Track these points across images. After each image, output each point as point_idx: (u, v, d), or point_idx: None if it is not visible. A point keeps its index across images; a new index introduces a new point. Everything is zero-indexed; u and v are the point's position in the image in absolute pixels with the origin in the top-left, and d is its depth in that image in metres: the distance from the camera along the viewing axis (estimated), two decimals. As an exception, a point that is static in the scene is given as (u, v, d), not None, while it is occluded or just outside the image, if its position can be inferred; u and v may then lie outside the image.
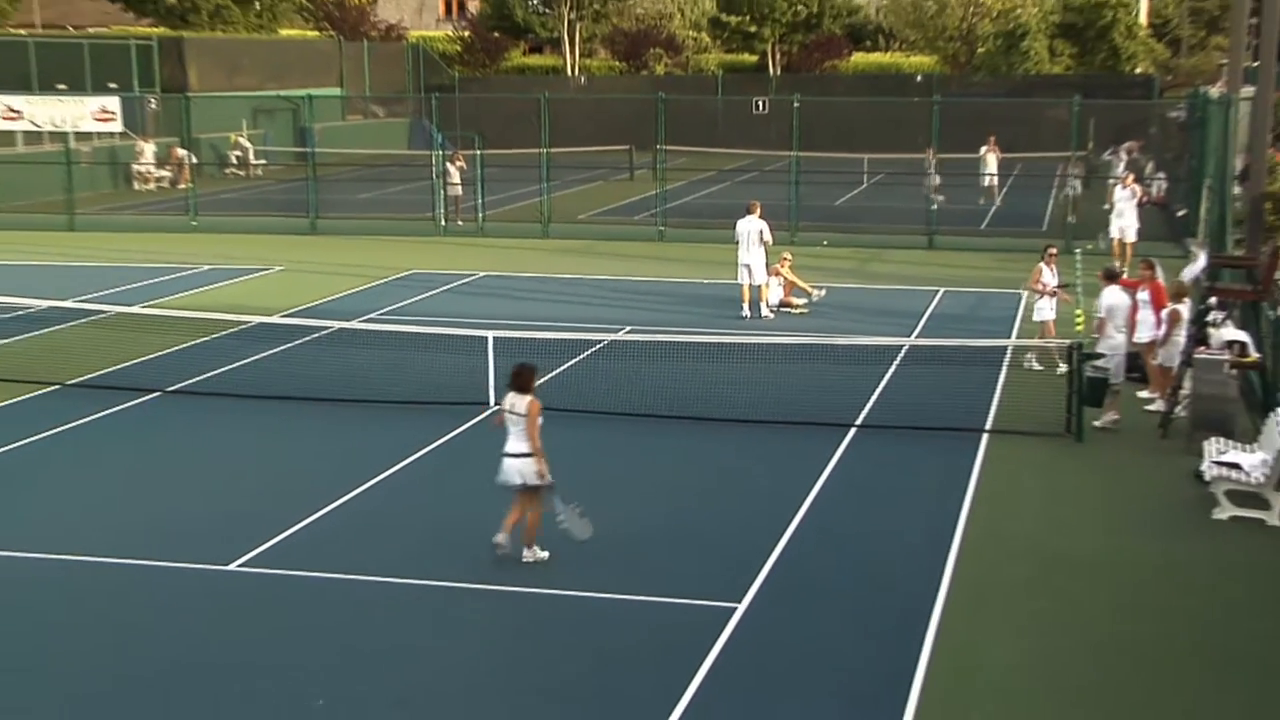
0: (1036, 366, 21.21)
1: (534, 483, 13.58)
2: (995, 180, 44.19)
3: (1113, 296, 19.20)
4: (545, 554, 13.81)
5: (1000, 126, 48.12)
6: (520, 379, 13.80)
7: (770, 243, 25.99)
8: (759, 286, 25.87)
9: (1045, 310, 21.76)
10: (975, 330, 24.30)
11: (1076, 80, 60.89)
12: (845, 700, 10.99)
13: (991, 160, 43.92)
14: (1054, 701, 10.97)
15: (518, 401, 13.66)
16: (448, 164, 40.00)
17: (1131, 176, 32.21)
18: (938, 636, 12.07)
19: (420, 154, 52.80)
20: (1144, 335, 19.72)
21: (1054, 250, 22.52)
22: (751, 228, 25.82)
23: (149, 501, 15.82)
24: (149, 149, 49.61)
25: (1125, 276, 21.33)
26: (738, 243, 25.83)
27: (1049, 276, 21.81)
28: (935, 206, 40.18)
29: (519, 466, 13.60)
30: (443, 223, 39.04)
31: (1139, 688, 11.20)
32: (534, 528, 13.80)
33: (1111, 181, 35.36)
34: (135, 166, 49.15)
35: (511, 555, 13.56)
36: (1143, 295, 19.79)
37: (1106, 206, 31.31)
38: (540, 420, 13.56)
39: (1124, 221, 29.86)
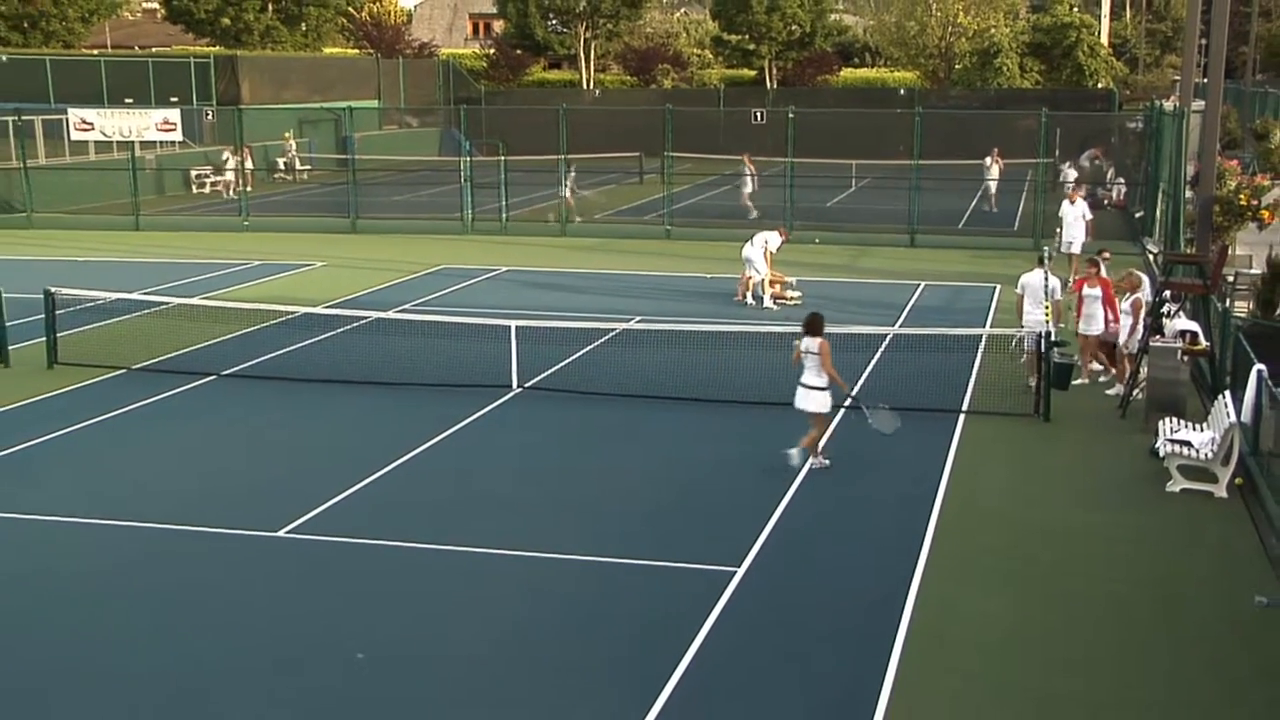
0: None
1: (818, 410, 15.47)
2: (996, 187, 43.61)
3: (1030, 277, 19.66)
4: (828, 461, 15.71)
5: (975, 136, 47.86)
6: (812, 325, 15.47)
7: (769, 250, 26.22)
8: (760, 281, 26.05)
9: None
10: (953, 320, 24.26)
11: (1044, 94, 60.59)
12: (836, 652, 10.97)
13: (995, 170, 43.28)
14: (1024, 655, 10.97)
15: (811, 343, 15.34)
16: (567, 184, 40.22)
17: (1080, 190, 30.89)
18: (919, 595, 12.09)
19: (449, 159, 52.69)
20: (1094, 329, 19.58)
21: (1107, 254, 21.54)
22: (759, 235, 26.41)
23: (206, 474, 15.85)
24: (234, 158, 49.61)
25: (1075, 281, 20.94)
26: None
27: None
28: (754, 215, 39.24)
29: (813, 396, 15.42)
30: (560, 221, 39.10)
31: (1103, 641, 11.20)
32: (813, 442, 15.60)
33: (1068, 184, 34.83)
34: (195, 172, 49.01)
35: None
36: (1093, 291, 19.59)
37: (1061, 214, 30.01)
38: (829, 358, 15.34)
39: (1072, 234, 28.64)
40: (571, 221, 39.31)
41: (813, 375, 15.40)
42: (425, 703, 10.22)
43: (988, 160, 43.35)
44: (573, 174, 40.55)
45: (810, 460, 15.61)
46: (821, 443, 15.95)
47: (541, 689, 10.41)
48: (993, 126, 50.74)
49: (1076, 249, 28.24)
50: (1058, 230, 30.04)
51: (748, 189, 40.89)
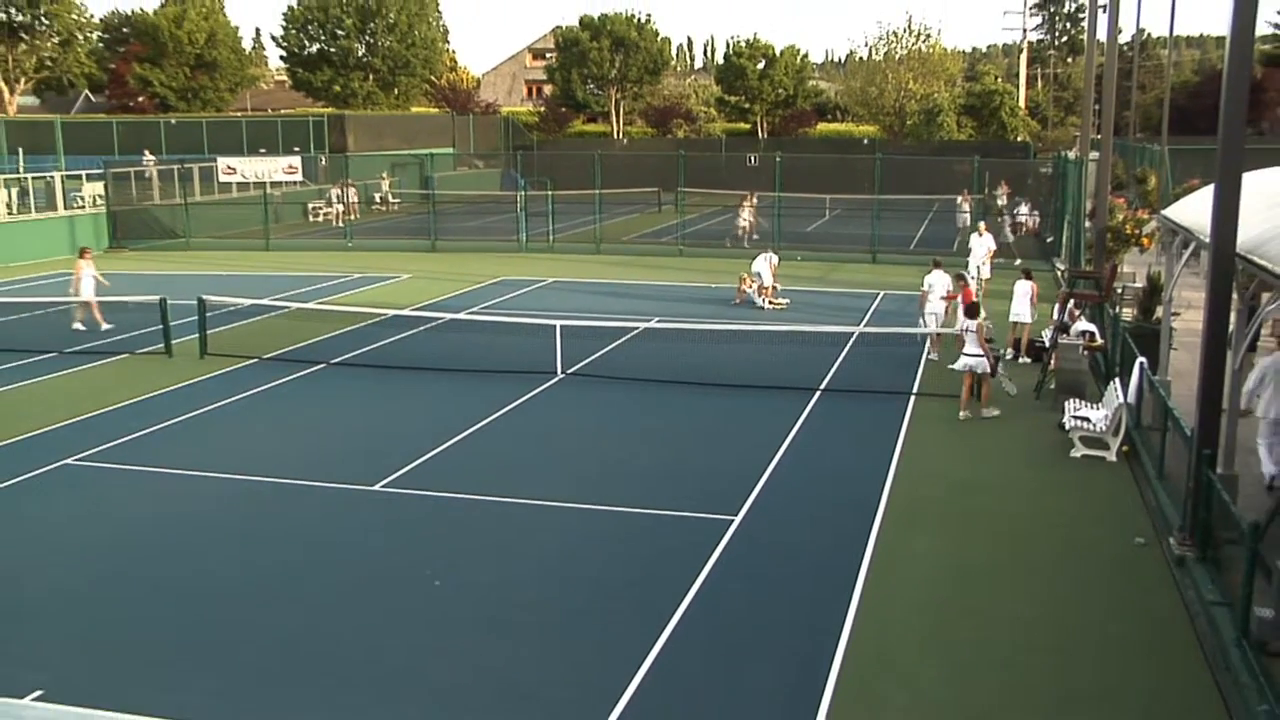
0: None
1: (982, 371, 16.65)
2: (968, 221, 42.52)
3: (933, 277, 20.73)
4: (997, 411, 16.78)
5: (922, 177, 47.66)
6: (971, 310, 16.88)
7: (773, 264, 26.64)
8: (765, 287, 26.38)
9: (1025, 314, 20.51)
10: (905, 322, 24.12)
11: (976, 145, 60.21)
12: (814, 580, 10.95)
13: (966, 206, 42.18)
14: (959, 580, 10.94)
15: (969, 323, 16.74)
16: (744, 204, 38.74)
17: (985, 225, 28.95)
18: (879, 535, 12.07)
19: (509, 194, 52.75)
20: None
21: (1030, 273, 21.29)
22: (762, 255, 27.00)
23: (319, 440, 15.90)
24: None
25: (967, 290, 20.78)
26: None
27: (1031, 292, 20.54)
28: (756, 237, 37.82)
29: (972, 362, 16.67)
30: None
31: (1020, 570, 11.17)
32: (987, 396, 16.94)
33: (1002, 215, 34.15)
34: (311, 204, 49.07)
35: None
36: (958, 300, 19.72)
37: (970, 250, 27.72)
38: (985, 334, 16.73)
39: (978, 261, 26.79)
40: (752, 238, 37.75)
41: (972, 346, 16.65)
42: (489, 617, 10.23)
43: (959, 199, 42.27)
44: (754, 201, 39.22)
45: (984, 411, 16.73)
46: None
47: (582, 607, 10.42)
48: (936, 170, 50.49)
49: (985, 274, 26.73)
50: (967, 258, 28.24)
51: (752, 221, 39.46)
